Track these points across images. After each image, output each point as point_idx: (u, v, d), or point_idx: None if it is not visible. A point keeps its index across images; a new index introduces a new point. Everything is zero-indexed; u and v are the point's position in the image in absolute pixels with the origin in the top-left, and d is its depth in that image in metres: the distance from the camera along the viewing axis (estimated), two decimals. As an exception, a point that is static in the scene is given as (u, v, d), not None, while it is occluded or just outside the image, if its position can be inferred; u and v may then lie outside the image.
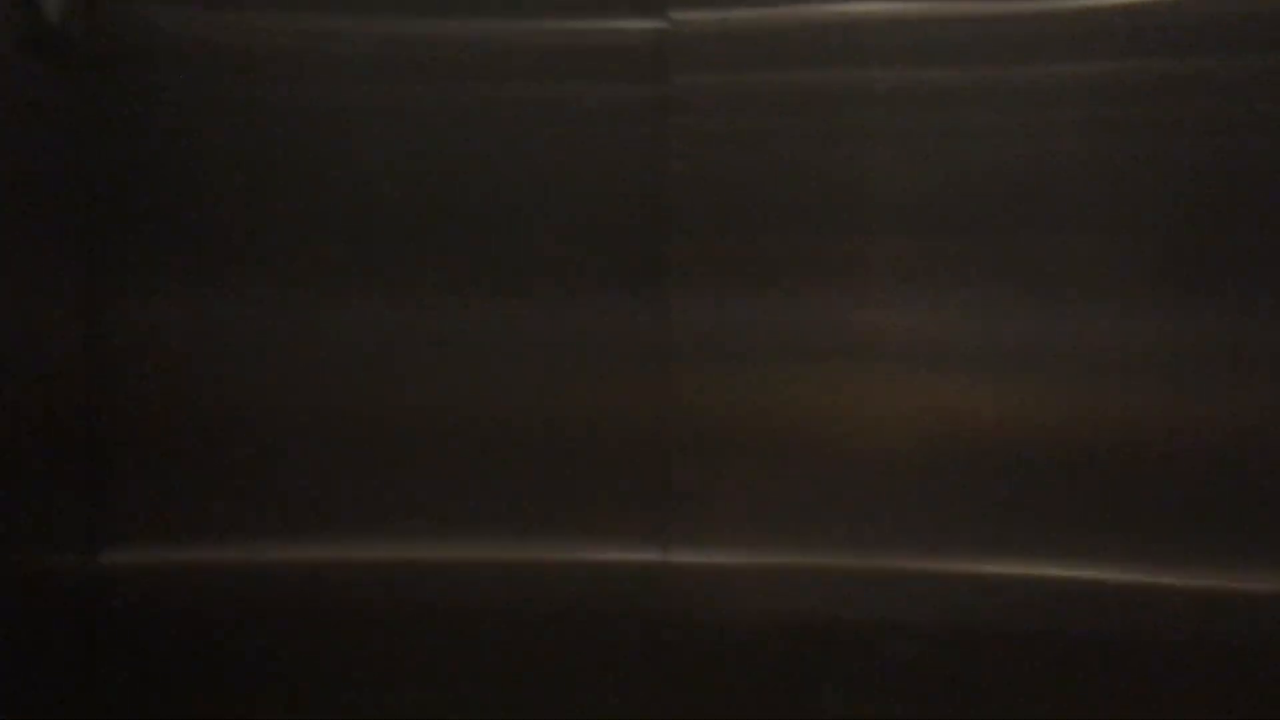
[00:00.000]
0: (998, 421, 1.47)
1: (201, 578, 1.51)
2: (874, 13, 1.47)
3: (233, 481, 1.50)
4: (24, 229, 1.38)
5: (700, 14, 1.48)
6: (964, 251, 1.46)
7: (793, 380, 1.49)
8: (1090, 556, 1.45)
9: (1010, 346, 1.47)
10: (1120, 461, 1.44)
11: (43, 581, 1.43)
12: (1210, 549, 1.42)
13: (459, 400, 1.51)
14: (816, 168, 1.48)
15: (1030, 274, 1.46)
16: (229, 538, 1.51)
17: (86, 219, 1.48)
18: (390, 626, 1.51)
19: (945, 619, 1.48)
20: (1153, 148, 1.42)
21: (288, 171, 1.49)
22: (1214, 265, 1.43)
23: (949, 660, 1.47)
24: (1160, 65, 1.42)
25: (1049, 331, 1.46)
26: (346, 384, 1.50)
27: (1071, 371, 1.46)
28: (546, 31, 1.50)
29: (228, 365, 1.49)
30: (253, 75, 1.49)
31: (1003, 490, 1.46)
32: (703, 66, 1.48)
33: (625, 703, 1.51)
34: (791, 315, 1.49)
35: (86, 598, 1.49)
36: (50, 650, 1.44)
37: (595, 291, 1.50)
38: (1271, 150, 1.40)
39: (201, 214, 1.49)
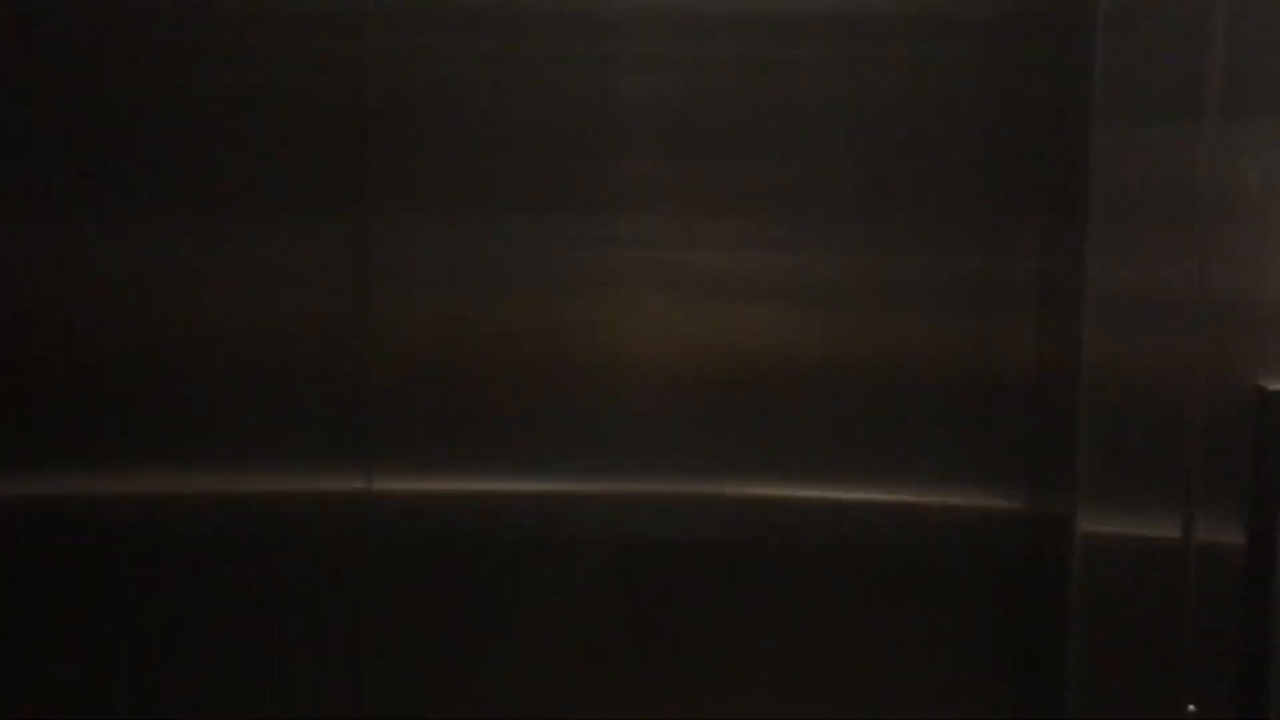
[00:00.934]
0: (718, 350, 1.48)
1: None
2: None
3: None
4: None
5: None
6: (662, 178, 1.46)
7: (492, 307, 1.48)
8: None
9: (729, 271, 1.48)
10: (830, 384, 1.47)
11: None
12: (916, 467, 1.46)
13: (158, 324, 1.45)
14: (522, 90, 1.46)
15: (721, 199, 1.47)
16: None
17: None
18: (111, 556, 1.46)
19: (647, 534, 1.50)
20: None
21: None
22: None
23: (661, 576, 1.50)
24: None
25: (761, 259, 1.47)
26: (48, 309, 1.43)
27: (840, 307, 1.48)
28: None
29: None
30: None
31: (686, 413, 1.48)
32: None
33: (322, 633, 1.50)
34: (492, 240, 1.47)
35: None
36: None
37: (294, 213, 1.45)
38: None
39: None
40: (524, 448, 1.49)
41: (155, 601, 1.49)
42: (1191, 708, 1.33)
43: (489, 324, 1.48)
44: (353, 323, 1.47)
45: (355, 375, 1.47)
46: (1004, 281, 1.45)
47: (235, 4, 1.43)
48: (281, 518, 1.48)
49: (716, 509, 1.49)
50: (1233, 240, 1.32)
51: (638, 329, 1.48)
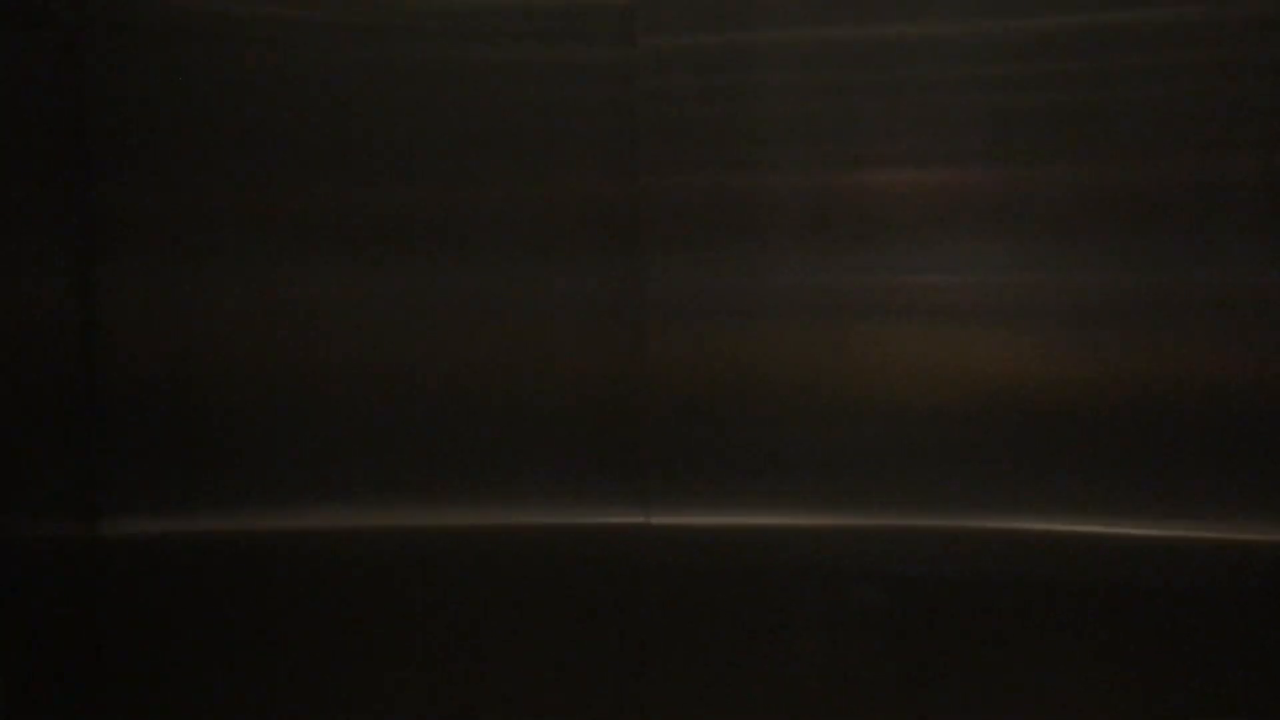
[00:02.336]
0: (996, 378, 1.44)
1: (195, 547, 1.54)
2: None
3: (223, 452, 1.53)
4: (17, 200, 1.42)
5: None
6: (917, 207, 1.43)
7: (768, 340, 1.48)
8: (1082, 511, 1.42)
9: (1010, 299, 1.43)
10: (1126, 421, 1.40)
11: (43, 551, 1.48)
12: (1224, 502, 1.37)
13: (439, 367, 1.52)
14: (786, 121, 1.46)
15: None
16: (222, 507, 1.54)
17: (80, 190, 1.52)
18: (380, 591, 1.53)
19: (918, 571, 1.46)
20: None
21: (269, 137, 1.51)
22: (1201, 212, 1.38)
23: (926, 609, 1.45)
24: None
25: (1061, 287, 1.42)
26: (331, 352, 1.52)
27: (1055, 324, 1.42)
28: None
29: (219, 336, 1.52)
30: (233, 42, 1.51)
31: (986, 447, 1.43)
32: (669, 28, 1.47)
33: (605, 660, 1.52)
34: (769, 274, 1.47)
35: (85, 567, 1.53)
36: (50, 617, 1.48)
37: (570, 254, 1.50)
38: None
39: (190, 183, 1.52)
40: (798, 482, 1.47)
41: (443, 624, 1.54)
42: None
43: (760, 356, 1.47)
44: (629, 358, 1.50)
45: (633, 410, 1.49)
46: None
47: (507, 54, 1.49)
48: (563, 548, 1.52)
49: (1004, 546, 1.43)
50: None
51: (911, 358, 1.45)
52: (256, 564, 1.53)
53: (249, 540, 1.52)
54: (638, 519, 1.51)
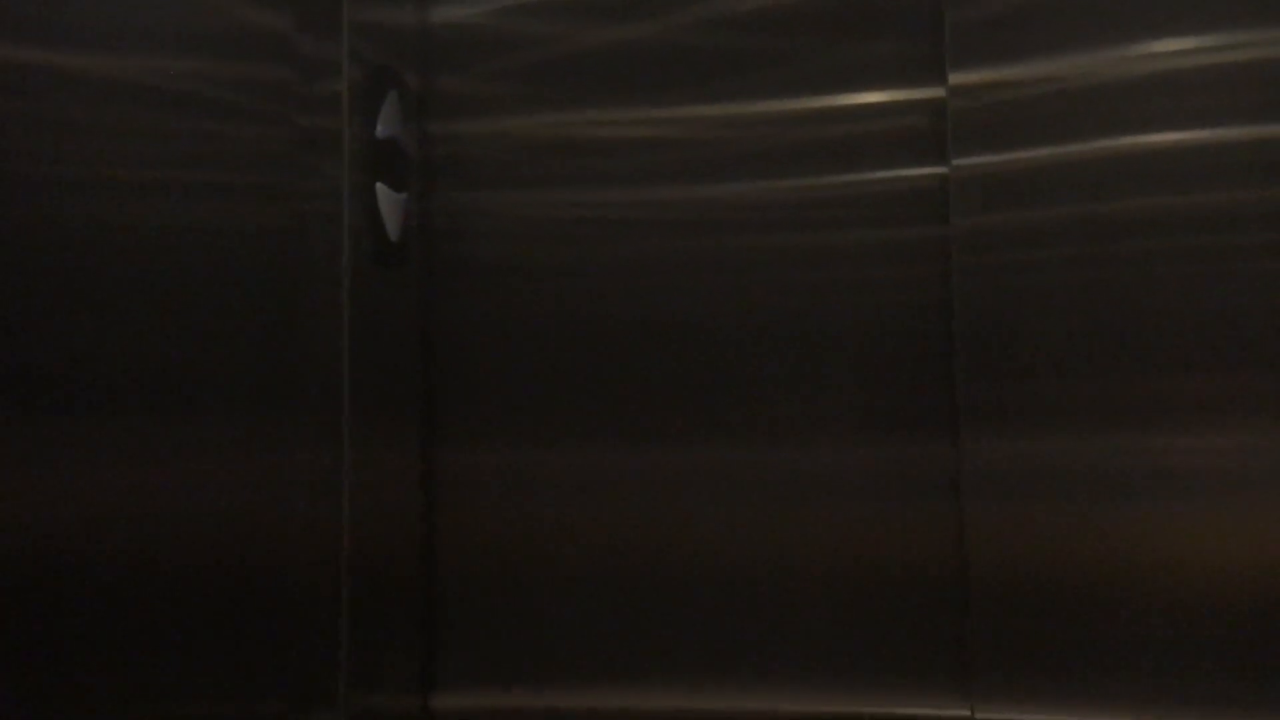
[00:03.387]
0: None
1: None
2: (1141, 144, 1.42)
3: (560, 627, 1.58)
4: (372, 397, 1.55)
5: (979, 159, 1.49)
6: (1239, 383, 1.36)
7: (1090, 521, 1.42)
8: None
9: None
10: None
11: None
12: None
13: (759, 546, 1.53)
14: (1103, 300, 1.43)
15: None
16: (550, 684, 1.57)
17: (426, 388, 1.64)
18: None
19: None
20: None
21: (589, 330, 1.59)
22: None
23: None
24: None
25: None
26: (654, 529, 1.55)
27: None
28: (838, 184, 1.55)
29: (547, 514, 1.59)
30: (560, 244, 1.61)
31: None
32: (984, 206, 1.48)
33: None
34: (1085, 452, 1.42)
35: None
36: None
37: (888, 431, 1.50)
38: None
39: (518, 374, 1.61)
40: (1131, 680, 1.39)
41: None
42: None
43: (1075, 540, 1.41)
44: (951, 540, 1.47)
45: (957, 598, 1.45)
46: None
47: (833, 243, 1.53)
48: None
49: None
50: None
51: (1253, 546, 1.36)
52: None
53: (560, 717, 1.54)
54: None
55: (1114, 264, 1.42)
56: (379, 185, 1.51)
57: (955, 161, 1.49)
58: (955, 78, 1.46)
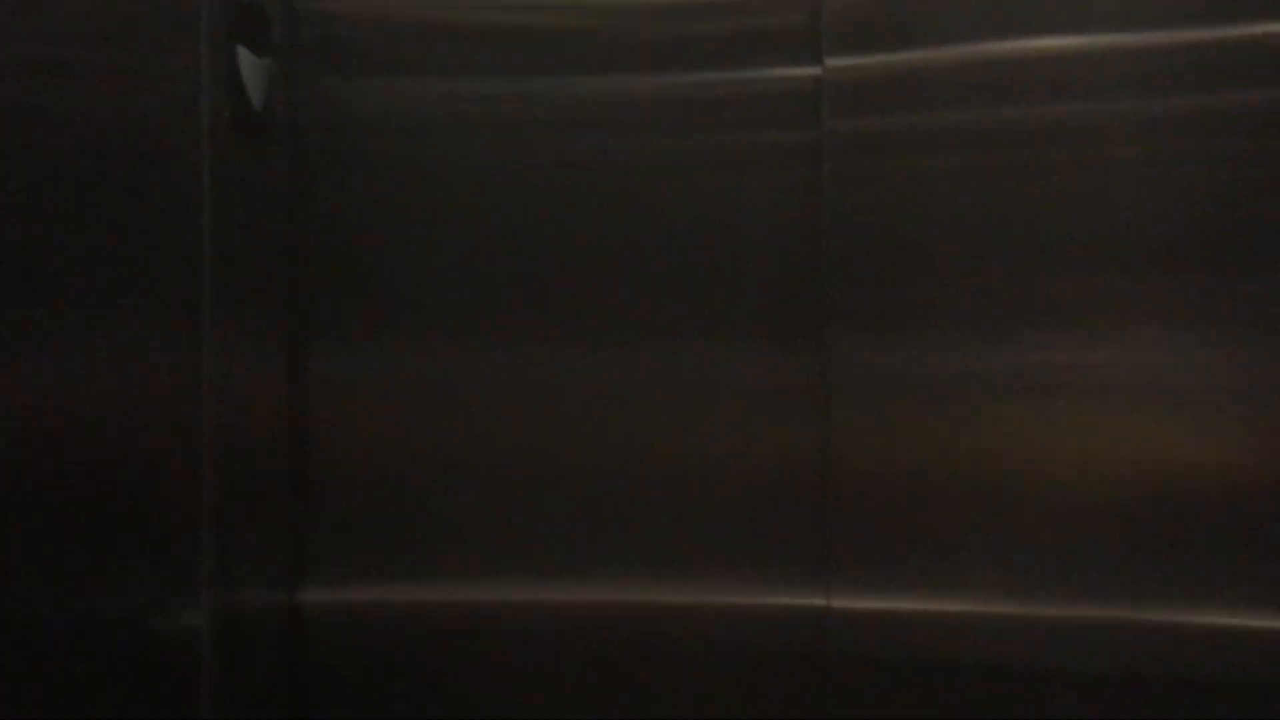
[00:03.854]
0: (1180, 464, 1.39)
1: (392, 616, 1.59)
2: (1017, 51, 1.44)
3: (420, 522, 1.58)
4: (235, 288, 1.51)
5: (853, 60, 1.49)
6: (1116, 289, 1.40)
7: (954, 422, 1.46)
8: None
9: (1194, 386, 1.39)
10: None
11: (246, 618, 1.54)
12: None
13: (629, 447, 1.54)
14: (975, 208, 1.46)
15: (1202, 310, 1.38)
16: (417, 578, 1.58)
17: (290, 277, 1.61)
18: (560, 665, 1.55)
19: (1115, 668, 1.40)
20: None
21: (461, 226, 1.58)
22: None
23: (1117, 710, 1.40)
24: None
25: (1242, 371, 1.37)
26: (522, 429, 1.56)
27: (1255, 409, 1.37)
28: (704, 83, 1.54)
29: (415, 412, 1.58)
30: (429, 138, 1.58)
31: (1173, 535, 1.38)
32: (855, 111, 1.48)
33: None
34: (952, 356, 1.46)
35: (286, 634, 1.60)
36: (252, 681, 1.55)
37: (754, 337, 1.51)
38: None
39: (390, 270, 1.59)
40: (982, 567, 1.44)
41: (625, 707, 1.55)
42: None
43: (943, 440, 1.46)
44: (812, 441, 1.50)
45: (815, 493, 1.49)
46: None
47: (698, 145, 1.53)
48: (742, 630, 1.51)
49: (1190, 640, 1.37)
50: None
51: (1097, 444, 1.41)
52: (441, 633, 1.57)
53: (437, 610, 1.56)
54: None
55: (988, 172, 1.44)
56: (240, 49, 1.45)
57: (829, 62, 1.50)
58: (831, -26, 1.46)
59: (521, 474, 1.56)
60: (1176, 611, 1.39)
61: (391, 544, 1.58)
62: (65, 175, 1.29)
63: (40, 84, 1.23)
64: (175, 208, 1.41)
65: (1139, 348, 1.40)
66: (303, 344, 1.59)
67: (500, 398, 1.56)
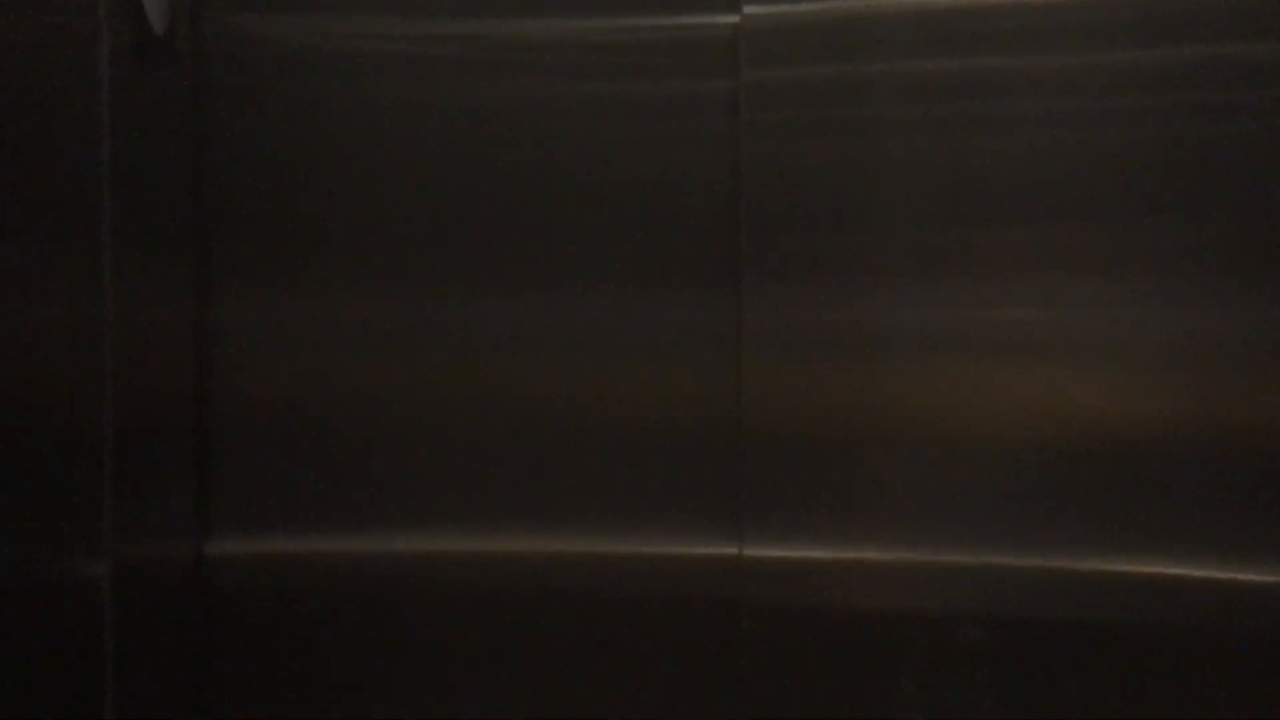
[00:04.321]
0: (1098, 417, 1.42)
1: (300, 568, 1.57)
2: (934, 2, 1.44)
3: (329, 473, 1.56)
4: (135, 227, 1.47)
5: (772, 8, 1.48)
6: (1026, 240, 1.42)
7: (867, 375, 1.47)
8: (1193, 555, 1.38)
9: (1098, 335, 1.41)
10: (1236, 462, 1.37)
11: (150, 569, 1.51)
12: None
13: (539, 396, 1.54)
14: (895, 160, 1.46)
15: (1107, 262, 1.40)
16: (326, 529, 1.56)
17: (192, 217, 1.57)
18: (476, 615, 1.55)
19: (1022, 613, 1.43)
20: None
21: (373, 169, 1.55)
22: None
23: (1026, 655, 1.43)
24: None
25: (1174, 325, 1.40)
26: (433, 377, 1.54)
27: (1162, 363, 1.39)
28: (620, 29, 1.52)
29: (325, 358, 1.55)
30: (339, 77, 1.55)
31: (1083, 487, 1.41)
32: (774, 60, 1.47)
33: (700, 696, 1.51)
34: (866, 308, 1.47)
35: (191, 586, 1.57)
36: (156, 634, 1.52)
37: (669, 286, 1.51)
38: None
39: (297, 210, 1.56)
40: (893, 517, 1.46)
41: (538, 657, 1.55)
42: None
43: (856, 391, 1.47)
44: (726, 391, 1.50)
45: (729, 442, 1.50)
46: None
47: (613, 93, 1.51)
48: (655, 580, 1.52)
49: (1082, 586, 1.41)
50: None
51: (1014, 396, 1.43)
52: (351, 585, 1.55)
53: (345, 561, 1.54)
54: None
55: (914, 124, 1.45)
56: (138, -30, 1.41)
57: (746, 10, 1.49)
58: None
59: (432, 423, 1.54)
60: (1087, 560, 1.42)
61: (300, 495, 1.56)
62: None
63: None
64: (73, 139, 1.36)
65: (1058, 302, 1.42)
66: (207, 286, 1.55)
67: (410, 345, 1.55)
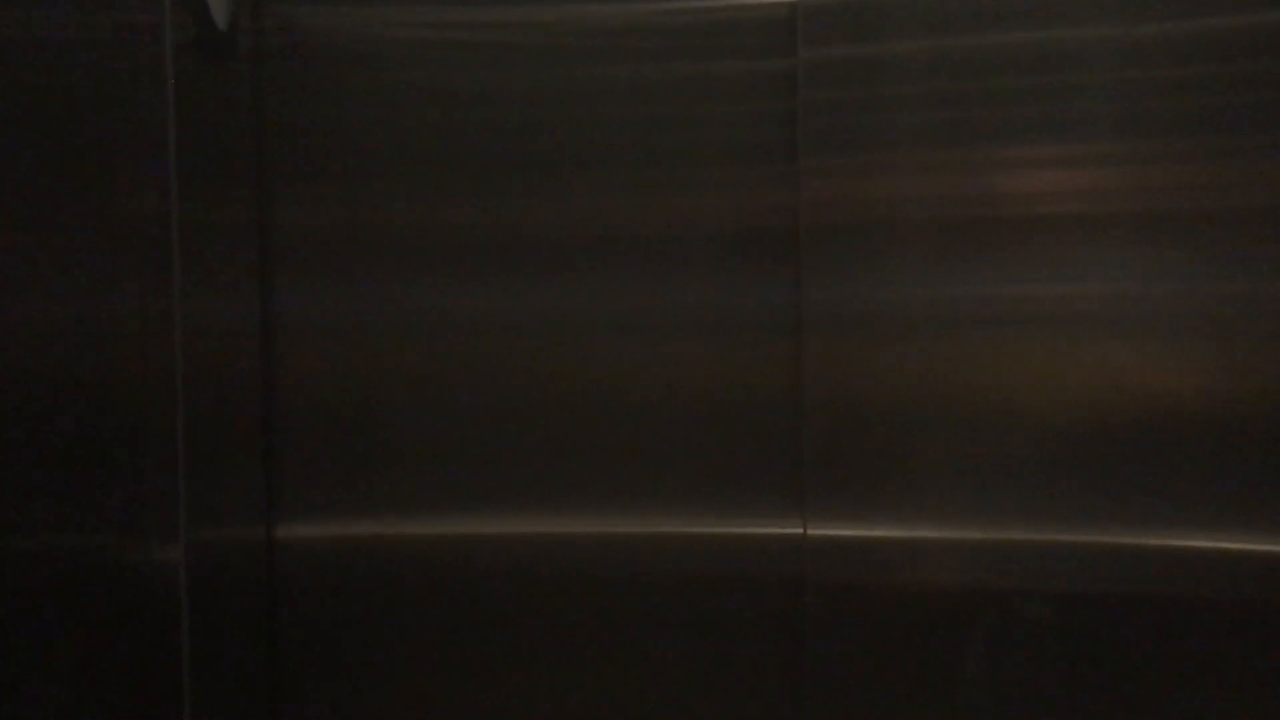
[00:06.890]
0: (1148, 391, 1.41)
1: (366, 550, 1.59)
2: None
3: (397, 459, 1.58)
4: (201, 220, 1.49)
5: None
6: (1086, 217, 1.41)
7: (928, 352, 1.47)
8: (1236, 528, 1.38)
9: (1162, 314, 1.41)
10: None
11: (222, 553, 1.54)
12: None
13: (605, 380, 1.55)
14: (952, 138, 1.46)
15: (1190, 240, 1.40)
16: (396, 513, 1.59)
17: (255, 209, 1.59)
18: (544, 597, 1.56)
19: (1084, 590, 1.43)
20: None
21: (434, 156, 1.56)
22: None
23: (1087, 629, 1.43)
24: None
25: (1211, 299, 1.39)
26: (497, 363, 1.56)
27: (1227, 337, 1.39)
28: (680, 10, 1.52)
29: (385, 348, 1.57)
30: (397, 66, 1.56)
31: (1140, 461, 1.41)
32: (831, 39, 1.48)
33: (764, 672, 1.52)
34: (922, 286, 1.47)
35: (262, 569, 1.60)
36: (229, 615, 1.55)
37: (729, 267, 1.51)
38: None
39: (357, 199, 1.58)
40: (954, 494, 1.46)
41: (606, 636, 1.56)
42: None
43: (915, 370, 1.47)
44: (788, 372, 1.51)
45: (792, 421, 1.50)
46: None
47: (676, 74, 1.52)
48: (719, 559, 1.53)
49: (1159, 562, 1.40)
50: None
51: (1069, 371, 1.43)
52: (416, 566, 1.57)
53: (411, 544, 1.56)
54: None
55: (964, 101, 1.44)
56: (203, -31, 1.42)
57: (804, -10, 1.49)
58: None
59: (495, 408, 1.56)
60: (1144, 535, 1.42)
61: (366, 479, 1.58)
62: (26, 103, 1.26)
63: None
64: (141, 133, 1.39)
65: (1109, 277, 1.41)
66: (271, 278, 1.57)
67: (471, 332, 1.56)
